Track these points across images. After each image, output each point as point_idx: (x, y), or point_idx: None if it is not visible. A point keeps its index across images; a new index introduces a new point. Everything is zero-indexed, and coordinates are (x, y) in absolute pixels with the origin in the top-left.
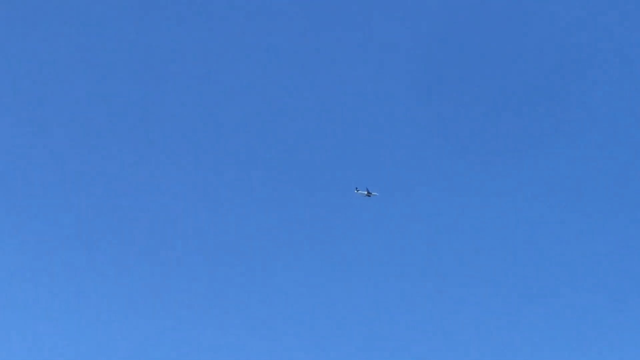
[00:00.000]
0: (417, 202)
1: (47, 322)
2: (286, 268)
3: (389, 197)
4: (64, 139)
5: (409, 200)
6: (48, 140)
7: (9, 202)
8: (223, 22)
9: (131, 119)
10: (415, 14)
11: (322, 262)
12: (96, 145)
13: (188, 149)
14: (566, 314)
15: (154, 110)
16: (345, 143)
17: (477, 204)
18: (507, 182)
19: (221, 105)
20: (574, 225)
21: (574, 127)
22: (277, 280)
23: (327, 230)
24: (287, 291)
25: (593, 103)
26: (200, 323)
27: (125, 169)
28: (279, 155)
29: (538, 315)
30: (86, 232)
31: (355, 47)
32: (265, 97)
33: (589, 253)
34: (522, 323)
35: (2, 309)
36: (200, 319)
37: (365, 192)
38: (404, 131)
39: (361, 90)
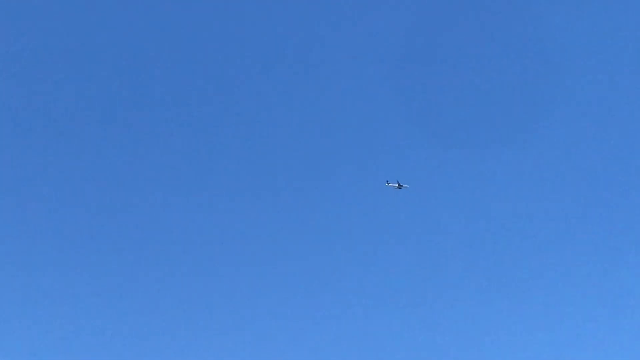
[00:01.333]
0: (410, 197)
1: (45, 322)
2: (285, 267)
3: (381, 195)
4: (62, 138)
5: (401, 196)
6: (45, 140)
7: (7, 203)
8: (219, 21)
9: (130, 118)
10: (403, 11)
11: (321, 261)
12: (95, 145)
13: (183, 146)
14: (564, 313)
15: (154, 110)
16: (337, 140)
17: (469, 199)
18: (499, 177)
19: (219, 105)
20: (566, 220)
21: (567, 122)
22: (276, 279)
23: (324, 229)
24: (288, 290)
25: (584, 97)
26: (205, 324)
27: (124, 169)
28: (273, 154)
29: (536, 313)
30: (84, 232)
31: (344, 45)
32: (257, 96)
33: (585, 248)
34: (519, 321)
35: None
36: (205, 321)
37: (397, 185)
38: (393, 127)
39: (351, 88)
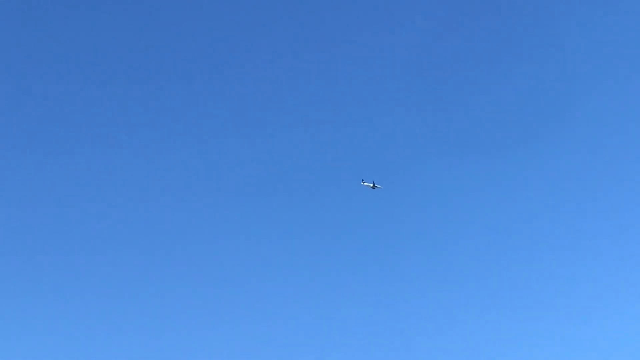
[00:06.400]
0: (416, 200)
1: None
2: (286, 266)
3: (386, 196)
4: (62, 139)
5: (407, 198)
6: (45, 140)
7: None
8: (223, 24)
9: (131, 119)
10: (414, 15)
11: (320, 260)
12: (96, 146)
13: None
14: (564, 314)
15: (154, 110)
16: (345, 142)
17: (476, 202)
18: (505, 181)
19: (222, 106)
20: (571, 224)
21: (571, 128)
22: (281, 280)
23: (326, 229)
24: (288, 288)
25: (591, 103)
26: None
27: (125, 169)
28: (281, 156)
29: (536, 314)
30: (84, 232)
31: (356, 49)
32: (265, 98)
33: (587, 252)
34: (519, 322)
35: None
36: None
37: (371, 185)
38: (403, 131)
39: (362, 90)
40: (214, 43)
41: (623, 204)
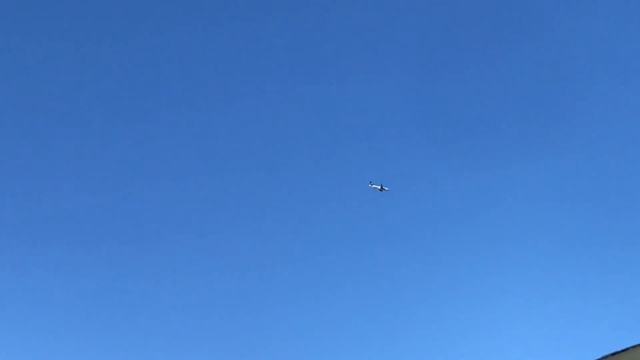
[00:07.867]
0: (415, 202)
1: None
2: (286, 266)
3: (386, 198)
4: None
5: (406, 201)
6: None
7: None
8: (221, 22)
9: (131, 118)
10: (414, 14)
11: (319, 262)
12: (94, 144)
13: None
14: (564, 314)
15: (154, 109)
16: (344, 143)
17: (477, 206)
18: (507, 185)
19: (222, 106)
20: (573, 229)
21: (574, 131)
22: (278, 278)
23: (325, 230)
24: (288, 289)
25: (594, 107)
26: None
27: (124, 167)
28: (279, 155)
29: (535, 316)
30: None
31: (355, 47)
32: (264, 97)
33: (588, 256)
34: (518, 324)
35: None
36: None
37: (379, 187)
38: (403, 133)
39: (361, 91)
40: (205, 39)
41: (624, 209)
